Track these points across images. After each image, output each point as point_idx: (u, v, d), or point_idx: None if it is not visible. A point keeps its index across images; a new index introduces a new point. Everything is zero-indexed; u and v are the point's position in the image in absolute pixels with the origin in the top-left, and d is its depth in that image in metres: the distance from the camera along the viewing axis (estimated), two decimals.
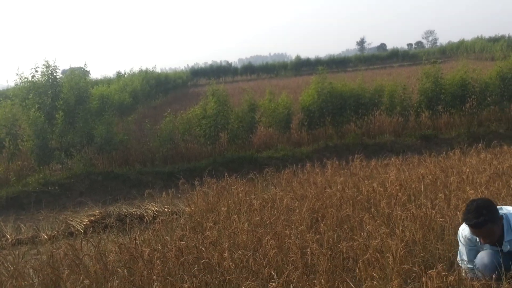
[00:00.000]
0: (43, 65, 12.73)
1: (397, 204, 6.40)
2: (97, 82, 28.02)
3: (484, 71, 15.44)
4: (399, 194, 6.72)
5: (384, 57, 66.24)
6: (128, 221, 7.78)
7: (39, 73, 12.74)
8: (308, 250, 5.03)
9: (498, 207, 4.33)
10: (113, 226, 7.88)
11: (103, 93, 16.70)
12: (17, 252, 6.49)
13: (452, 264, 4.89)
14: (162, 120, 13.71)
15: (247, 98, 13.85)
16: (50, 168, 12.39)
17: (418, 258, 4.78)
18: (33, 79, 12.66)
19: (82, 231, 8.05)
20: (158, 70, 41.28)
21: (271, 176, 9.51)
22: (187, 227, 6.57)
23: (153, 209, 8.70)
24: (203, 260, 5.07)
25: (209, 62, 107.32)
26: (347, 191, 7.28)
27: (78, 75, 13.52)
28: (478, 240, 4.37)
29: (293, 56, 67.41)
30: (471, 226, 4.20)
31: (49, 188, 11.35)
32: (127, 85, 23.56)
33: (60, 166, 12.68)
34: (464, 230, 4.50)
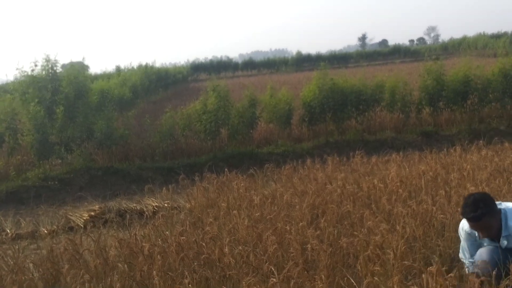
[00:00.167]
0: (44, 59, 12.70)
1: (397, 200, 6.40)
2: (97, 77, 27.99)
3: (486, 68, 15.41)
4: (400, 190, 6.72)
5: (386, 53, 66.25)
6: (128, 216, 7.78)
7: (39, 67, 12.70)
8: (309, 246, 5.02)
9: (497, 202, 4.32)
10: (113, 221, 7.88)
11: (103, 88, 16.71)
12: (17, 247, 6.49)
13: (452, 260, 4.89)
14: (162, 115, 13.68)
15: (248, 94, 13.83)
16: (50, 163, 12.38)
17: (419, 255, 4.78)
18: (32, 73, 12.62)
19: (82, 226, 8.04)
20: (158, 65, 41.15)
21: (271, 172, 9.50)
22: (187, 223, 6.57)
23: (153, 204, 8.69)
24: (203, 256, 5.06)
25: (210, 57, 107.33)
26: (347, 187, 7.28)
27: (77, 69, 13.47)
28: (477, 235, 4.37)
29: (294, 52, 67.40)
30: (468, 219, 4.19)
31: (49, 182, 11.35)
32: (127, 80, 23.52)
33: (60, 161, 12.66)
34: (464, 225, 4.49)
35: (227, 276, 4.73)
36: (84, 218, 8.35)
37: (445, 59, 16.17)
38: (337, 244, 5.14)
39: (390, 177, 7.58)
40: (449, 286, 3.89)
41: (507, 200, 5.33)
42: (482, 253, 4.38)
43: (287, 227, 5.71)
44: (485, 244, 4.46)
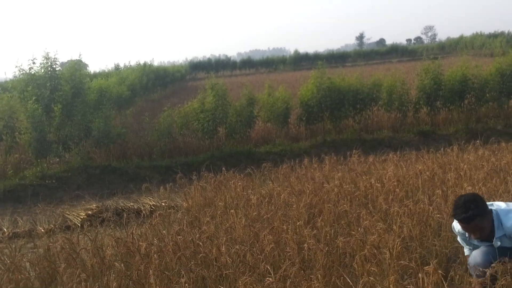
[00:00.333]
0: (43, 56, 12.65)
1: (394, 200, 6.40)
2: (96, 75, 27.95)
3: (483, 67, 15.43)
4: (397, 190, 6.72)
5: (383, 53, 66.39)
6: (125, 215, 7.76)
7: (37, 64, 12.67)
8: (305, 245, 5.02)
9: (488, 203, 4.32)
10: (110, 220, 7.86)
11: (101, 86, 16.67)
12: (13, 246, 6.47)
13: (449, 260, 4.90)
14: (160, 114, 13.68)
15: (246, 92, 13.82)
16: (48, 161, 12.37)
17: (415, 254, 4.78)
18: (30, 71, 12.59)
19: (79, 224, 8.04)
20: (156, 63, 41.25)
21: (268, 171, 9.49)
22: (184, 222, 6.56)
23: (151, 203, 8.69)
24: (200, 255, 5.06)
25: (208, 56, 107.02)
26: (344, 186, 7.28)
27: (74, 67, 13.45)
28: (467, 235, 4.37)
29: (292, 51, 67.40)
30: (460, 221, 4.19)
31: (46, 181, 11.34)
32: (125, 79, 23.50)
33: (57, 159, 12.65)
34: (456, 226, 4.50)
35: (223, 275, 4.74)
36: (81, 217, 8.34)
37: (442, 59, 16.18)
38: (333, 244, 5.14)
39: (387, 177, 7.59)
40: (445, 286, 3.90)
41: (503, 200, 5.35)
42: (476, 256, 4.37)
43: (284, 226, 5.72)
44: (475, 243, 4.47)
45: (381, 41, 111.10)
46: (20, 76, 12.70)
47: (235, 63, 63.84)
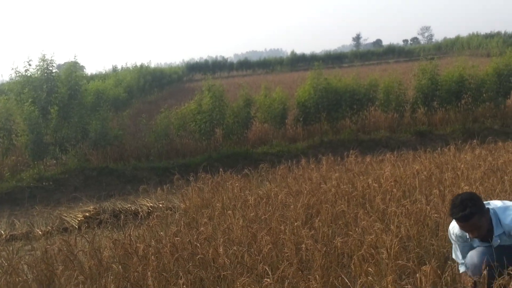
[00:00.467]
0: (40, 58, 12.62)
1: (392, 200, 6.41)
2: (93, 77, 27.92)
3: (480, 68, 15.46)
4: (394, 190, 6.73)
5: (380, 53, 66.42)
6: (122, 217, 7.75)
7: (33, 66, 12.65)
8: (303, 245, 5.03)
9: (484, 202, 4.32)
10: (108, 221, 7.86)
11: (98, 88, 16.66)
12: (11, 248, 6.47)
13: (446, 260, 4.90)
14: (157, 116, 13.67)
15: (243, 94, 13.82)
16: (45, 163, 12.34)
17: (413, 254, 4.79)
18: (26, 73, 12.56)
19: (76, 226, 8.02)
20: (153, 65, 41.21)
21: (266, 171, 9.50)
22: (182, 223, 6.56)
23: (148, 204, 8.68)
24: (198, 256, 5.06)
25: (205, 57, 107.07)
26: (342, 187, 7.28)
27: (70, 69, 13.43)
28: (468, 237, 4.36)
29: (289, 52, 67.38)
30: (458, 219, 4.17)
31: (44, 183, 11.32)
32: (122, 80, 23.48)
33: (54, 161, 12.63)
34: (454, 228, 4.48)
35: (221, 276, 4.73)
36: (79, 219, 8.33)
37: (439, 59, 16.18)
38: (331, 244, 5.15)
39: (384, 177, 7.60)
40: (443, 285, 3.91)
41: (500, 199, 5.36)
42: (473, 256, 4.37)
43: (282, 227, 5.72)
44: (475, 245, 4.46)
45: (378, 42, 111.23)
46: (17, 78, 12.68)
47: (232, 64, 63.84)
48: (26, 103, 11.78)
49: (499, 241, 4.25)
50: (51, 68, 12.78)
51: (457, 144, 10.34)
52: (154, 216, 7.15)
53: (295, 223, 5.79)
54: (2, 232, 8.13)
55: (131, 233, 6.21)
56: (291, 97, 14.86)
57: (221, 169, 9.50)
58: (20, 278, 5.17)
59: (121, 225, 7.31)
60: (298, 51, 64.96)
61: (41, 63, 12.62)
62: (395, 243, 4.69)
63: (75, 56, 14.65)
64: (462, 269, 4.53)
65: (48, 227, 8.14)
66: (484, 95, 14.53)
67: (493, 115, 14.75)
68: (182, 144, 13.57)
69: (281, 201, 6.96)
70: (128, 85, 23.47)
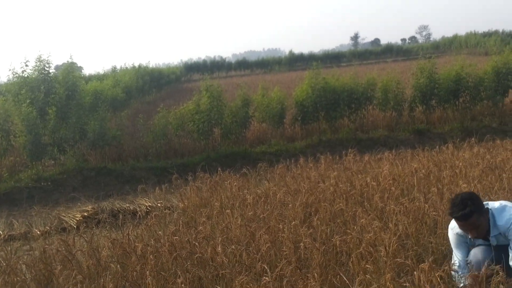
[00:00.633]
0: (36, 59, 12.62)
1: (390, 198, 6.41)
2: (91, 78, 27.90)
3: (478, 66, 15.47)
4: (392, 188, 6.73)
5: (378, 52, 66.40)
6: (121, 217, 7.74)
7: (30, 67, 12.64)
8: (302, 244, 5.03)
9: (484, 203, 4.33)
10: (106, 221, 7.86)
11: (96, 89, 16.65)
12: (9, 248, 6.46)
13: (444, 257, 4.90)
14: (156, 116, 13.67)
15: (241, 93, 13.83)
16: (43, 164, 12.34)
17: (411, 252, 4.79)
18: (23, 74, 12.55)
19: (74, 226, 8.02)
20: (151, 65, 41.11)
21: (264, 171, 9.50)
22: (180, 222, 6.55)
23: (146, 204, 8.67)
24: (196, 255, 5.05)
25: (203, 57, 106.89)
26: (340, 185, 7.29)
27: (67, 69, 13.42)
28: (469, 237, 4.36)
29: (287, 52, 67.37)
30: (457, 218, 4.19)
31: (42, 183, 11.31)
32: (120, 81, 23.46)
33: (52, 161, 12.63)
34: (454, 229, 4.49)
35: (220, 275, 4.73)
36: (77, 218, 8.32)
37: (437, 58, 16.19)
38: (330, 242, 5.14)
39: (382, 175, 7.60)
40: (441, 283, 3.91)
41: (499, 197, 5.37)
42: (477, 253, 4.39)
43: (280, 225, 5.72)
44: (477, 244, 4.47)
45: (376, 41, 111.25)
46: (14, 79, 12.69)
47: (230, 64, 63.76)
48: (24, 104, 11.78)
49: (496, 241, 4.27)
50: (47, 69, 12.77)
51: (455, 142, 10.35)
52: (153, 215, 7.14)
53: (294, 222, 5.79)
54: (1, 232, 8.13)
55: (130, 233, 6.19)
56: (289, 96, 14.86)
57: (219, 169, 9.49)
58: (18, 278, 5.17)
59: (120, 224, 7.30)
60: (296, 50, 65.10)
61: (38, 64, 12.61)
62: (393, 241, 4.69)
63: (70, 57, 14.65)
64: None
65: (47, 227, 8.14)
66: (482, 93, 14.54)
67: (491, 113, 14.77)
68: (181, 144, 13.57)
69: (279, 200, 6.96)
70: (126, 86, 23.45)
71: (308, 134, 14.15)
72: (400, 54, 63.84)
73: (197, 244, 5.46)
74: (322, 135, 13.87)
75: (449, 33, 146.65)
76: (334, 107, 13.90)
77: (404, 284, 4.06)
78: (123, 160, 12.72)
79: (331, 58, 62.35)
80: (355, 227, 5.46)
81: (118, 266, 5.15)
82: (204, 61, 65.70)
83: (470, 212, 4.09)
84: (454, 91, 14.29)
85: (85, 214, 8.45)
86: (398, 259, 4.49)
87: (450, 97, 14.32)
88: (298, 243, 5.14)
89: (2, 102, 12.60)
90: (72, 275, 4.98)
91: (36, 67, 12.62)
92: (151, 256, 5.13)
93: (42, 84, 12.56)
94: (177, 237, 5.73)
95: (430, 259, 4.22)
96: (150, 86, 31.32)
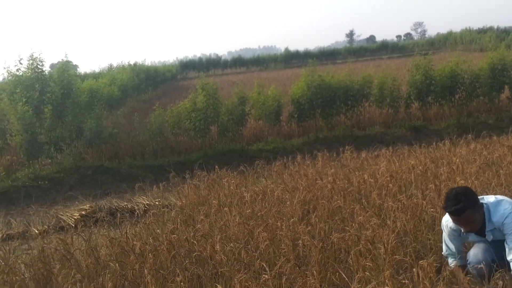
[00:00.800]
0: (29, 57, 12.55)
1: (388, 195, 6.42)
2: (87, 76, 27.84)
3: (474, 62, 15.49)
4: (390, 185, 6.74)
5: (374, 49, 66.51)
6: (119, 215, 7.74)
7: (25, 66, 12.58)
8: (300, 241, 5.03)
9: (479, 197, 4.34)
10: (104, 220, 7.84)
11: (92, 87, 16.62)
12: (7, 247, 6.44)
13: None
14: (152, 114, 13.65)
15: (237, 91, 13.83)
16: (40, 163, 12.31)
17: (410, 249, 4.79)
18: (18, 73, 12.50)
19: (73, 225, 8.01)
20: (147, 63, 41.05)
21: (261, 168, 9.50)
22: (178, 220, 6.55)
23: (144, 202, 8.67)
24: (195, 253, 5.06)
25: (199, 55, 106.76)
26: (338, 182, 7.29)
27: (62, 68, 13.38)
28: (462, 231, 4.37)
29: (283, 49, 67.30)
30: (451, 213, 4.19)
31: (39, 182, 11.29)
32: (116, 79, 23.42)
33: (49, 160, 12.61)
34: (448, 221, 4.50)
35: (219, 273, 4.73)
36: (75, 217, 8.31)
37: (433, 54, 16.18)
38: (328, 240, 5.15)
39: (380, 172, 7.61)
40: (440, 280, 3.92)
41: (496, 193, 5.38)
42: (477, 253, 4.39)
43: (278, 223, 5.72)
44: (470, 239, 4.49)
45: (371, 38, 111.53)
46: (9, 78, 12.62)
47: (226, 62, 63.73)
48: (20, 103, 11.74)
49: (491, 236, 4.28)
50: (41, 67, 12.69)
51: (452, 138, 10.38)
52: (151, 214, 7.14)
53: (292, 219, 5.80)
54: None
55: (128, 231, 6.18)
56: (285, 94, 14.86)
57: (216, 166, 9.50)
58: (17, 277, 5.16)
59: (118, 223, 7.30)
60: (292, 48, 64.84)
61: (31, 62, 12.54)
62: (392, 238, 4.70)
63: (66, 55, 14.59)
64: (451, 261, 4.55)
65: (45, 226, 8.13)
66: (478, 90, 14.57)
67: (488, 109, 14.80)
68: (177, 142, 13.56)
69: (277, 198, 6.96)
70: (122, 84, 23.41)
71: (305, 131, 14.16)
72: (395, 51, 63.92)
73: (195, 242, 5.45)
74: (319, 132, 13.88)
75: (444, 30, 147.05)
76: (331, 104, 13.91)
77: (403, 281, 4.07)
78: (120, 158, 12.70)
79: (327, 55, 62.41)
80: (353, 224, 5.46)
81: (117, 264, 5.14)
82: (200, 59, 65.60)
83: (463, 207, 4.09)
84: (450, 87, 14.32)
85: (83, 212, 8.43)
86: (397, 256, 4.49)
87: (446, 93, 14.34)
88: (297, 240, 5.15)
89: None
90: (70, 274, 4.97)
91: (29, 66, 12.55)
92: (149, 254, 5.13)
93: (36, 82, 12.51)
94: (175, 235, 5.73)
95: (429, 256, 4.23)
96: (146, 84, 31.26)
